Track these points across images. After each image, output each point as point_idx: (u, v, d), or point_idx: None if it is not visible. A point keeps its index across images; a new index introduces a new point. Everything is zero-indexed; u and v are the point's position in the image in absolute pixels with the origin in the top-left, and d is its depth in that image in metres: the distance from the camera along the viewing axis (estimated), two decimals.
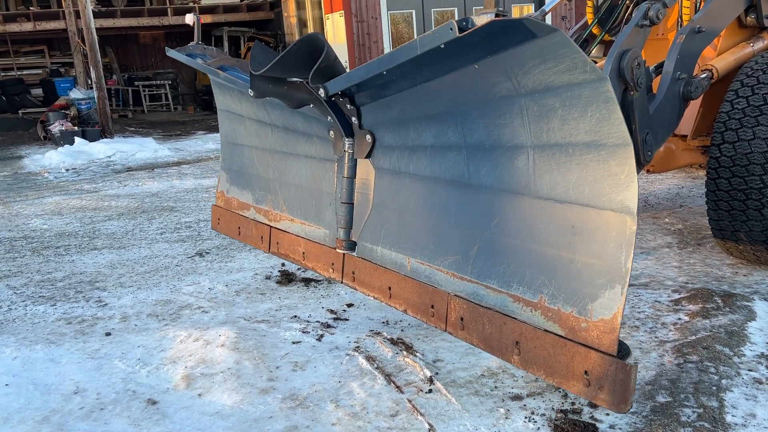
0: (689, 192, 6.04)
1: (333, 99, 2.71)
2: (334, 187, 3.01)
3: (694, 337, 3.11)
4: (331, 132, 2.88)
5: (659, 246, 4.53)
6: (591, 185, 1.88)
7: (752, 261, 3.95)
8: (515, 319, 2.11)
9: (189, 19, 3.83)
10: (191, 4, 19.62)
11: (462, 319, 2.30)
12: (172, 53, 3.78)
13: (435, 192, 2.47)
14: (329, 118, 2.81)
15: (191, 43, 3.78)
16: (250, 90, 2.69)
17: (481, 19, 1.70)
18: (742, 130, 3.59)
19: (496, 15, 1.73)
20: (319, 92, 2.52)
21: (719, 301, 3.50)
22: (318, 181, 3.16)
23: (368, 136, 2.76)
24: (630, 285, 3.81)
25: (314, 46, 2.46)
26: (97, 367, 3.12)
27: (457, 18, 16.42)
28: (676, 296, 3.62)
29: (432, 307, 2.46)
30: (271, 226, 3.51)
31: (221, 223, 3.99)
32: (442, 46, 1.83)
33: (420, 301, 2.53)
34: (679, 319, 3.34)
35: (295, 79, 2.61)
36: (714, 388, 2.67)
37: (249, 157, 3.73)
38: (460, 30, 1.71)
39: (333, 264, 3.03)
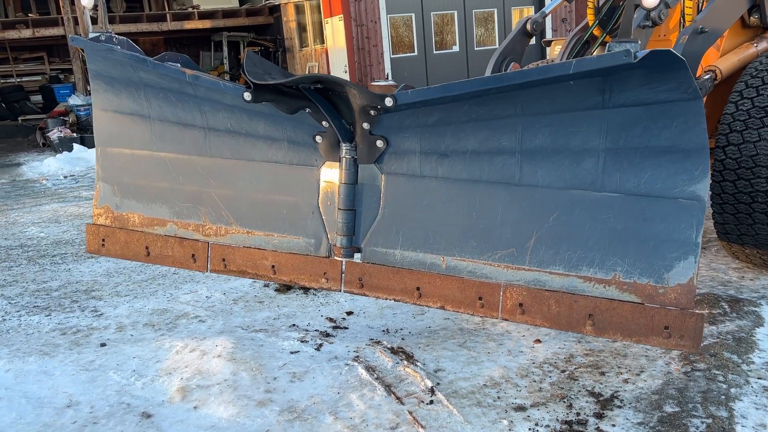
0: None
1: (335, 104, 2.67)
2: (317, 194, 2.90)
3: (701, 344, 3.03)
4: (318, 137, 2.79)
5: None
6: (664, 180, 2.18)
7: (759, 265, 3.88)
8: (587, 296, 2.36)
9: (86, 1, 3.09)
10: (190, 9, 19.62)
11: (521, 304, 2.47)
12: (77, 41, 3.12)
13: (475, 193, 2.56)
14: (324, 123, 2.75)
15: (100, 32, 3.12)
16: (246, 94, 2.62)
17: (630, 47, 1.96)
18: (747, 132, 3.53)
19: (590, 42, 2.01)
20: (386, 101, 2.49)
21: (726, 307, 3.43)
22: (289, 189, 2.97)
23: (380, 142, 2.70)
24: None
25: (319, 78, 2.52)
26: (91, 380, 3.06)
27: (456, 21, 16.30)
28: None
29: (480, 299, 2.56)
30: (209, 242, 3.14)
31: (109, 245, 3.33)
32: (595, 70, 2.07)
33: (463, 295, 2.59)
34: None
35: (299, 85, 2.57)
36: (723, 397, 2.61)
37: (159, 166, 3.23)
38: (635, 56, 1.95)
39: (325, 273, 2.92)
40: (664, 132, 2.14)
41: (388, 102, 2.49)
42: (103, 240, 3.35)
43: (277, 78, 2.48)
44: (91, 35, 3.09)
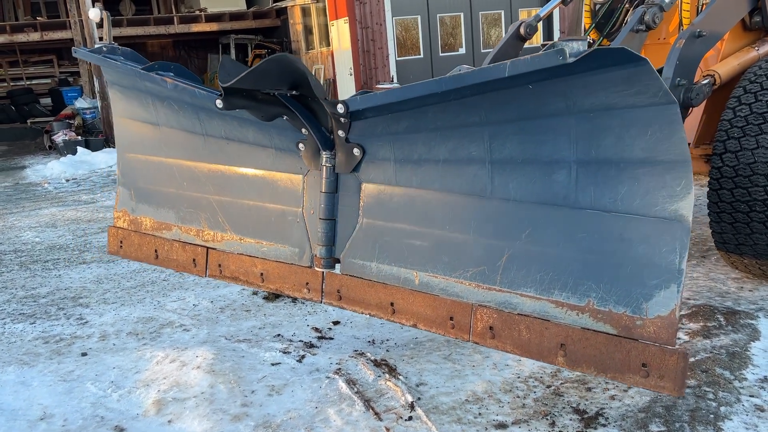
0: (694, 201, 5.84)
1: (314, 110, 2.59)
2: (302, 202, 2.85)
3: (692, 359, 2.93)
4: (301, 145, 2.73)
5: None
6: (642, 197, 1.95)
7: (758, 275, 3.76)
8: (558, 323, 2.14)
9: (94, 14, 3.27)
10: (197, 12, 19.66)
11: (491, 328, 2.30)
12: (81, 54, 3.23)
13: (447, 206, 2.42)
14: (303, 130, 2.68)
15: (104, 43, 3.24)
16: (218, 101, 2.56)
17: (572, 46, 1.74)
18: (745, 139, 3.42)
19: (590, 44, 1.76)
20: (338, 107, 2.40)
21: (721, 319, 3.33)
22: (278, 197, 2.94)
23: (356, 150, 2.62)
24: None
25: (285, 63, 2.35)
26: (67, 391, 3.00)
27: (463, 23, 16.17)
28: None
29: (451, 319, 2.41)
30: (208, 248, 3.16)
31: (125, 247, 3.45)
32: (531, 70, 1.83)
33: (435, 314, 2.46)
34: (678, 338, 3.16)
35: (268, 91, 2.48)
36: (711, 416, 2.51)
37: (167, 171, 3.29)
38: (571, 57, 1.72)
39: (308, 284, 2.86)
40: (638, 141, 1.91)
41: (340, 108, 2.39)
42: (121, 242, 3.47)
43: (243, 78, 2.36)
44: (96, 46, 3.21)
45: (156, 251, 3.31)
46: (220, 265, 3.10)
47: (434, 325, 2.46)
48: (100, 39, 3.32)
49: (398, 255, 2.55)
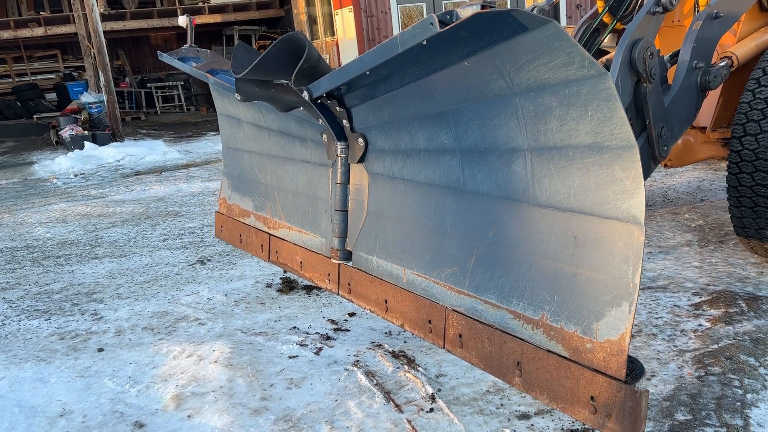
0: (710, 185, 5.78)
1: (320, 101, 2.54)
2: (329, 193, 2.86)
3: (716, 346, 2.90)
4: (324, 135, 2.72)
5: (678, 244, 4.30)
6: (594, 192, 1.70)
7: None
8: (515, 337, 1.93)
9: (182, 21, 3.62)
10: (200, 4, 19.57)
11: (460, 336, 2.15)
12: (165, 57, 3.59)
13: (430, 199, 2.32)
14: (320, 121, 2.65)
15: (185, 46, 3.59)
16: (236, 94, 2.54)
17: (466, 12, 1.57)
18: (765, 121, 3.36)
19: (482, 6, 1.56)
20: (303, 95, 2.35)
21: (743, 305, 3.28)
22: (313, 187, 3.01)
23: (360, 140, 2.60)
24: (647, 288, 3.61)
25: (295, 46, 2.30)
26: (86, 387, 2.99)
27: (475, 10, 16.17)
28: (697, 300, 3.41)
29: (429, 322, 2.31)
30: (270, 234, 3.35)
31: (224, 231, 3.81)
32: (425, 42, 1.66)
33: (417, 315, 2.37)
34: (700, 325, 3.12)
35: (279, 81, 2.45)
36: (738, 403, 2.47)
37: (248, 163, 3.57)
38: (442, 24, 1.56)
39: (329, 275, 2.87)
40: (581, 124, 1.67)
41: (305, 96, 2.34)
42: (222, 226, 3.83)
43: (254, 68, 2.34)
44: (183, 48, 3.61)
45: (240, 236, 3.61)
46: (276, 252, 3.30)
47: (416, 327, 2.36)
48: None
49: (392, 250, 2.49)
